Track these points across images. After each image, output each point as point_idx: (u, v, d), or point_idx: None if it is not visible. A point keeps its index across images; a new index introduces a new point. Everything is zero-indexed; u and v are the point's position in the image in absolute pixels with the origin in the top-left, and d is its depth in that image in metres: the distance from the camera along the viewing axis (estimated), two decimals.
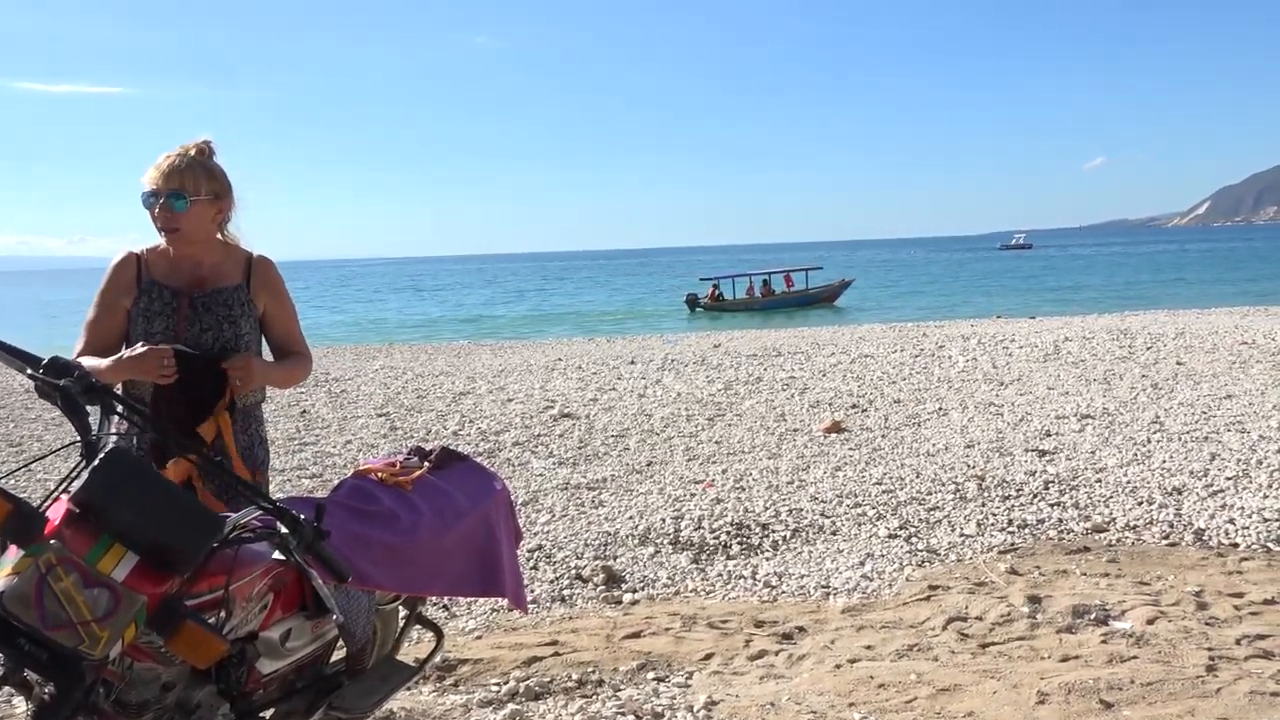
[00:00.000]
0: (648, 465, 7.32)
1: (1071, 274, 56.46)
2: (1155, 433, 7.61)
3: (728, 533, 5.37)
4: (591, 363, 14.94)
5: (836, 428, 8.44)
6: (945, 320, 23.54)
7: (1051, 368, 11.92)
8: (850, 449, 7.64)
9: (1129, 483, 6.15)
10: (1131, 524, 5.27)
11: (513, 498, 6.50)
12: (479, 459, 7.73)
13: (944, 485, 6.29)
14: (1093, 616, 3.85)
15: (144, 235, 2.65)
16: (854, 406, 9.67)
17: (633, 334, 24.53)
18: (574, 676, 3.46)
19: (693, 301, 35.05)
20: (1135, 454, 6.92)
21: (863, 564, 4.79)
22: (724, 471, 7.01)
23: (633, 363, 14.65)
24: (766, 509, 5.84)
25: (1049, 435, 7.77)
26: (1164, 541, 4.98)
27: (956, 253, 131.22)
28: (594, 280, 76.22)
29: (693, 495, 6.33)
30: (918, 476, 6.57)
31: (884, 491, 6.21)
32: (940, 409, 9.29)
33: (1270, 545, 4.85)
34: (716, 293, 34.98)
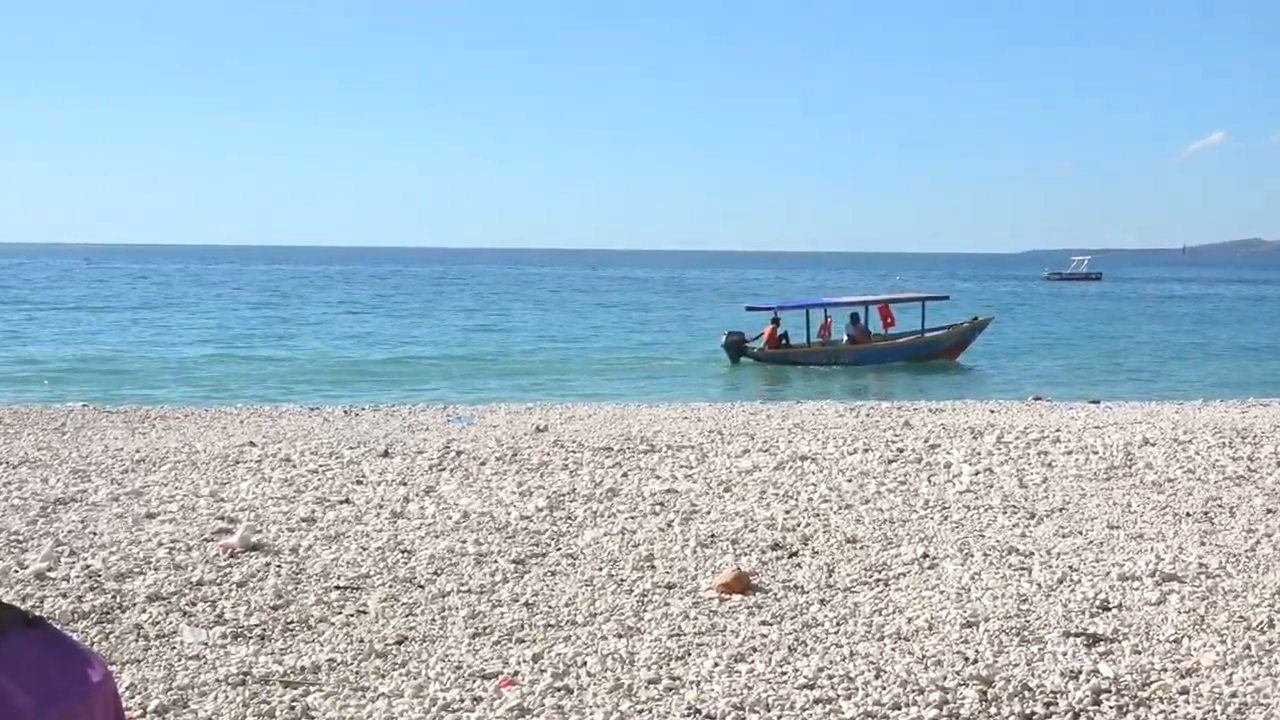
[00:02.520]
0: (399, 644, 7.28)
1: (1164, 327, 59.87)
2: None
3: None
4: (311, 451, 14.83)
5: (742, 584, 8.53)
6: (943, 400, 24.42)
7: (1118, 490, 12.45)
8: (764, 623, 7.74)
9: (1238, 698, 6.44)
10: None
11: (128, 699, 6.26)
12: (78, 625, 7.48)
13: (923, 694, 6.42)
14: None
15: None
16: (775, 547, 9.82)
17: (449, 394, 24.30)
18: None
19: (738, 345, 37.38)
20: (1251, 649, 7.28)
21: None
22: (536, 660, 7.00)
23: (387, 454, 14.62)
24: None
25: (1106, 609, 8.10)
26: None
27: (975, 280, 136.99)
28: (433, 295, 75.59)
29: (479, 702, 6.29)
30: (878, 677, 6.69)
31: (818, 703, 6.30)
32: (925, 556, 9.53)
33: None
34: (777, 332, 37.23)
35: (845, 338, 37.71)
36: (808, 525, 10.68)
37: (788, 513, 11.21)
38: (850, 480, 12.97)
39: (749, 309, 41.93)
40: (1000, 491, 12.35)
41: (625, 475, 13.19)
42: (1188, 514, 11.24)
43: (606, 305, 78.70)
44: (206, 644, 7.22)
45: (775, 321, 37.52)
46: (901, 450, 15.10)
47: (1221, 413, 21.08)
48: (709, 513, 11.20)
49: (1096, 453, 14.84)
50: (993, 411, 21.24)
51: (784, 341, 37.40)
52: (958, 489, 12.49)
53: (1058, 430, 17.07)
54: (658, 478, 13.05)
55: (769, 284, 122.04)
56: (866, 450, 15.08)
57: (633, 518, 10.96)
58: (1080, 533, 10.44)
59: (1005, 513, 11.27)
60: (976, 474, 13.35)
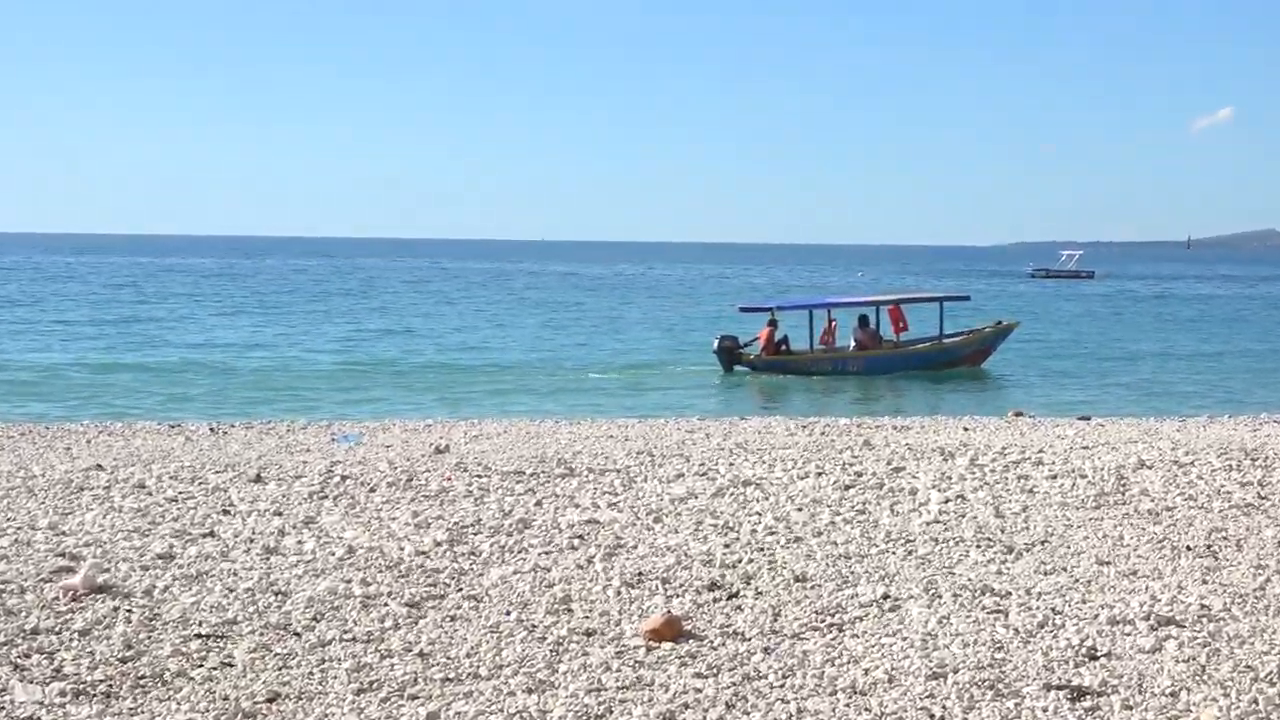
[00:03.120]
0: (270, 702, 7.24)
1: (1165, 332, 60.65)
2: None
3: None
4: (170, 476, 14.71)
5: (673, 630, 8.51)
6: (910, 418, 24.58)
7: (1109, 520, 12.54)
8: (698, 675, 7.74)
9: None
10: None
11: None
12: None
13: None
14: None
15: None
16: (713, 587, 9.83)
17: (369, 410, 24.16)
18: None
19: (731, 351, 38.03)
20: (1259, 703, 7.35)
21: None
22: None
23: (259, 479, 14.55)
24: None
25: (1093, 657, 8.15)
26: None
27: (948, 276, 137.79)
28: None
29: None
30: None
31: None
32: (886, 597, 9.55)
33: None
34: (775, 336, 37.94)
35: (852, 343, 38.31)
36: (750, 561, 10.68)
37: (727, 547, 11.22)
38: (800, 509, 13.00)
39: (743, 310, 42.59)
40: (973, 522, 12.42)
41: (539, 503, 13.17)
42: (1188, 548, 11.33)
43: (541, 305, 78.60)
44: (42, 703, 7.11)
45: (773, 324, 38.04)
46: (860, 474, 15.18)
47: (1229, 431, 21.33)
48: (636, 547, 11.18)
49: (1085, 477, 14.98)
50: (966, 429, 21.40)
51: (784, 347, 38.02)
52: (924, 519, 12.55)
53: (1041, 451, 17.23)
54: (577, 506, 13.03)
55: (705, 281, 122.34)
56: (820, 474, 15.16)
57: (547, 553, 10.93)
58: (1065, 569, 10.49)
59: (979, 546, 11.33)
60: (946, 501, 13.44)
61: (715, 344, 38.53)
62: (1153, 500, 13.60)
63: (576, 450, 17.38)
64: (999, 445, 17.98)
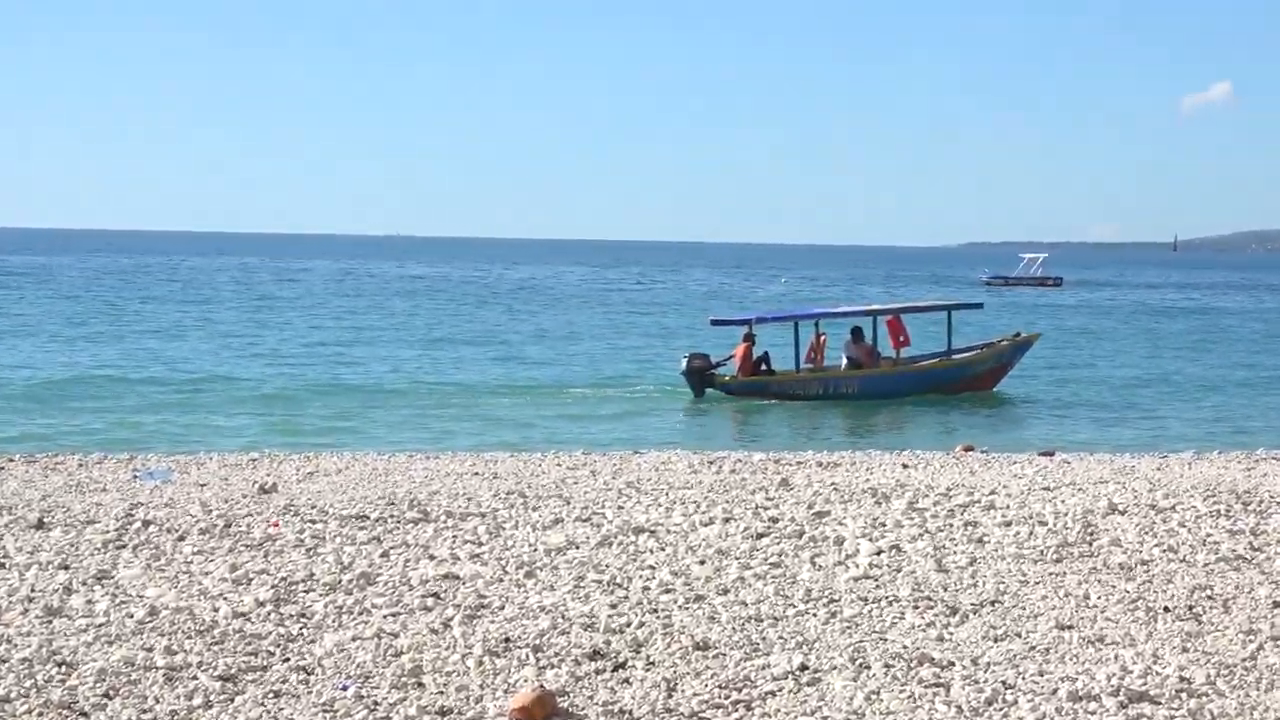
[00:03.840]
0: None
1: (1146, 350, 61.34)
2: None
3: None
4: None
5: (546, 708, 8.50)
6: (838, 452, 24.71)
7: (1073, 576, 12.65)
8: None
9: None
10: None
11: None
12: None
13: None
14: None
15: None
16: (595, 656, 9.86)
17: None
18: None
19: (702, 371, 38.02)
20: None
21: None
22: None
23: (41, 525, 14.54)
24: None
25: None
26: None
27: (888, 284, 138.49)
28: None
29: None
30: None
31: None
32: (804, 668, 9.58)
33: None
34: (753, 354, 38.10)
35: (844, 360, 38.58)
36: (641, 625, 10.65)
37: (614, 607, 11.20)
38: (703, 562, 13.00)
39: (715, 323, 43.06)
40: (910, 577, 12.48)
41: (385, 555, 13.12)
42: (1166, 609, 11.44)
43: (378, 309, 78.20)
44: None
45: (749, 339, 38.17)
46: (776, 520, 15.20)
47: (1218, 470, 21.53)
48: (503, 607, 11.13)
49: (1045, 524, 15.10)
50: (906, 466, 21.48)
51: (764, 366, 38.14)
52: (852, 574, 12.59)
53: (993, 493, 17.33)
54: (432, 558, 12.98)
55: (588, 283, 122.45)
56: (727, 520, 15.16)
57: (394, 614, 10.87)
58: (1019, 635, 10.55)
59: (916, 607, 11.36)
60: (878, 553, 13.48)
61: (683, 364, 38.50)
62: (1125, 552, 13.73)
63: (433, 490, 17.30)
64: (943, 485, 18.07)
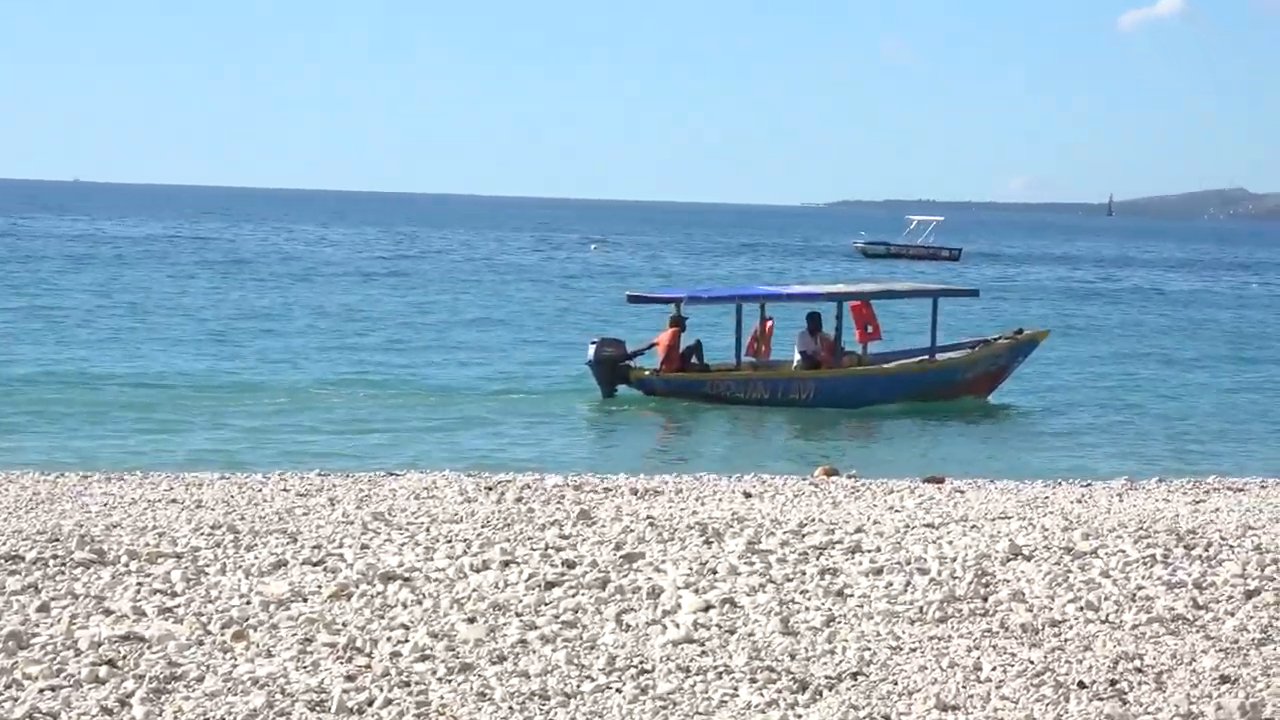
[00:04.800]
0: None
1: (1067, 344, 62.85)
2: None
3: None
4: None
5: None
6: (658, 476, 24.92)
7: (961, 640, 12.67)
8: None
9: None
10: None
11: None
12: None
13: None
14: None
15: None
16: None
17: None
18: None
19: (616, 363, 38.40)
20: None
21: None
22: None
23: None
24: None
25: None
26: None
27: (723, 255, 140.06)
28: None
29: None
30: None
31: None
32: None
33: None
34: (681, 342, 38.44)
35: (797, 356, 38.75)
36: (389, 704, 10.55)
37: (351, 680, 11.05)
38: (473, 620, 12.93)
39: (631, 299, 43.68)
40: (748, 641, 12.45)
41: (45, 608, 12.97)
42: (1081, 684, 11.44)
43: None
44: None
45: (678, 323, 38.45)
46: (572, 564, 15.25)
47: (1156, 502, 21.89)
48: (202, 679, 10.97)
49: (926, 572, 15.16)
50: (748, 495, 21.55)
51: (694, 359, 38.38)
52: (670, 636, 12.55)
53: (860, 531, 17.46)
54: (108, 613, 12.83)
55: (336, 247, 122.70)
56: (507, 564, 15.18)
57: (54, 688, 10.67)
58: (888, 717, 10.54)
59: (754, 681, 11.30)
60: (707, 609, 13.48)
61: (591, 353, 38.65)
62: (1030, 610, 13.79)
63: (114, 522, 17.22)
64: (794, 521, 18.18)
